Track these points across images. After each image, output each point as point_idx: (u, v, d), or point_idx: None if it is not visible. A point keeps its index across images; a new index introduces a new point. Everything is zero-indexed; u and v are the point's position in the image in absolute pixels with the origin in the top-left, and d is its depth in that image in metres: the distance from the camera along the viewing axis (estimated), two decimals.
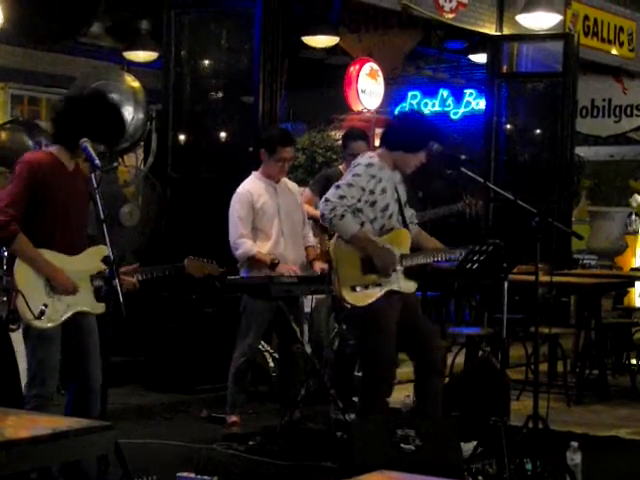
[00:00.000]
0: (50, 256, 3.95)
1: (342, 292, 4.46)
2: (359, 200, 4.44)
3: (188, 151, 7.49)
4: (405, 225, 4.65)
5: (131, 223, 6.82)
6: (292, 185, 5.59)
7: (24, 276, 3.91)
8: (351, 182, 4.44)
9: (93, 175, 3.83)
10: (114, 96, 6.86)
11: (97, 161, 3.87)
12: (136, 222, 6.92)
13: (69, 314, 3.98)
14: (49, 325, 3.93)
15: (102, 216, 3.77)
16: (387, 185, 4.52)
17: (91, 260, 3.94)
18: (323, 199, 4.49)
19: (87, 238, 4.13)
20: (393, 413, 5.54)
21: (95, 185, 3.79)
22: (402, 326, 4.54)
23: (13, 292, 3.90)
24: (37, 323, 3.90)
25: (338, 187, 4.46)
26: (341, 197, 4.40)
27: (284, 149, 5.35)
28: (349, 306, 4.53)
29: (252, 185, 5.42)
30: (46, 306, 3.90)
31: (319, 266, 5.36)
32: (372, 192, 4.47)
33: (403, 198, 4.66)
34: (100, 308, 3.82)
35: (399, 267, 4.54)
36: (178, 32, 7.45)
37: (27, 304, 3.86)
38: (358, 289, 4.44)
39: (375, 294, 4.47)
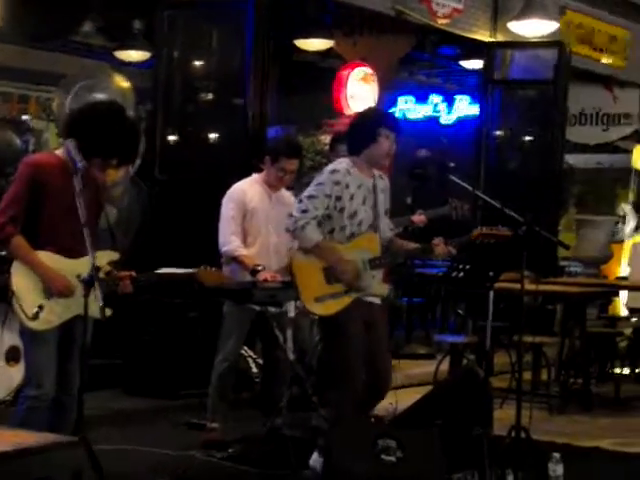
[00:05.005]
0: (48, 258, 3.94)
1: (306, 304, 4.46)
2: (327, 208, 4.42)
3: (176, 152, 7.46)
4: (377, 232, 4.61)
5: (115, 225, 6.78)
6: (289, 197, 5.46)
7: (21, 277, 3.93)
8: (313, 193, 4.44)
9: (75, 177, 3.83)
10: (102, 95, 6.86)
11: (80, 163, 3.87)
12: (122, 224, 6.87)
13: (67, 317, 3.96)
14: (45, 327, 3.92)
15: (83, 220, 3.78)
16: (357, 192, 4.49)
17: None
18: (288, 215, 4.49)
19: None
20: (374, 421, 5.53)
21: (78, 187, 3.79)
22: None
23: (9, 293, 3.92)
24: (31, 324, 3.91)
25: (301, 201, 4.47)
26: (304, 211, 4.42)
27: (288, 160, 5.28)
28: (316, 317, 4.53)
29: (248, 186, 5.38)
30: (41, 308, 3.90)
31: None
32: (339, 198, 4.45)
33: (383, 207, 4.63)
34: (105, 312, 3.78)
35: (370, 271, 4.51)
36: (169, 33, 7.44)
37: (20, 305, 3.88)
38: (323, 299, 4.42)
39: (344, 301, 4.44)
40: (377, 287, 4.59)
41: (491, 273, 4.80)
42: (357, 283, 4.43)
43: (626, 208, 10.52)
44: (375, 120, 4.61)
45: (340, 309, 4.43)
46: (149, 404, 6.21)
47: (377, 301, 4.61)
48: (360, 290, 4.46)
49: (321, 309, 4.44)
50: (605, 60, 10.68)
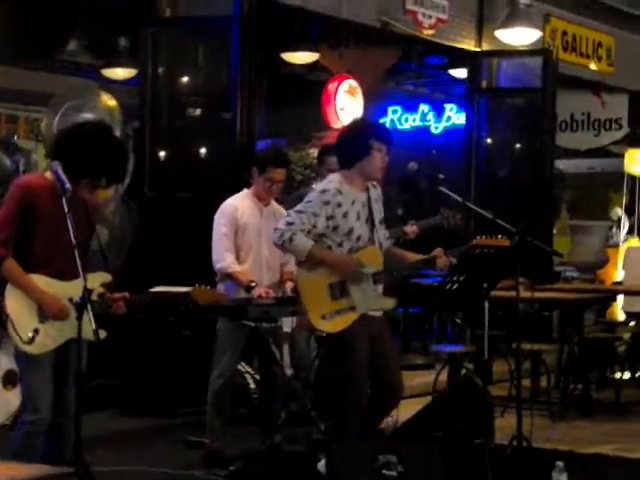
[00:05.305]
0: (42, 281, 3.90)
1: (313, 322, 4.39)
2: (314, 226, 4.37)
3: (165, 169, 7.41)
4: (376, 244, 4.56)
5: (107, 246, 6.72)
6: (280, 211, 5.39)
7: (15, 300, 3.89)
8: (301, 209, 4.40)
9: (64, 198, 3.79)
10: (89, 115, 6.82)
11: (67, 185, 3.83)
12: (114, 245, 6.81)
13: (62, 340, 3.92)
14: (40, 351, 3.88)
15: (74, 241, 3.73)
16: (350, 208, 4.43)
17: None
18: (274, 229, 4.44)
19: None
20: (375, 434, 5.48)
21: (66, 209, 3.75)
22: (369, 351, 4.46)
23: (4, 316, 3.88)
24: (27, 348, 3.87)
25: (288, 215, 4.43)
26: (289, 224, 4.37)
27: (275, 170, 5.25)
28: (324, 334, 4.47)
29: (239, 201, 5.35)
30: (37, 332, 3.87)
31: (290, 285, 5.24)
32: (331, 217, 4.39)
33: (378, 216, 4.57)
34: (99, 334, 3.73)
35: (375, 285, 4.46)
36: (155, 49, 7.39)
37: (15, 329, 3.84)
38: (328, 316, 4.36)
39: (350, 318, 4.38)
40: (381, 301, 4.54)
41: (485, 285, 4.76)
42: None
43: (619, 212, 10.55)
44: (366, 132, 4.53)
45: (347, 326, 4.37)
46: (147, 423, 6.14)
47: (379, 314, 4.56)
48: (365, 303, 4.41)
49: (328, 326, 4.38)
50: (592, 66, 10.71)
